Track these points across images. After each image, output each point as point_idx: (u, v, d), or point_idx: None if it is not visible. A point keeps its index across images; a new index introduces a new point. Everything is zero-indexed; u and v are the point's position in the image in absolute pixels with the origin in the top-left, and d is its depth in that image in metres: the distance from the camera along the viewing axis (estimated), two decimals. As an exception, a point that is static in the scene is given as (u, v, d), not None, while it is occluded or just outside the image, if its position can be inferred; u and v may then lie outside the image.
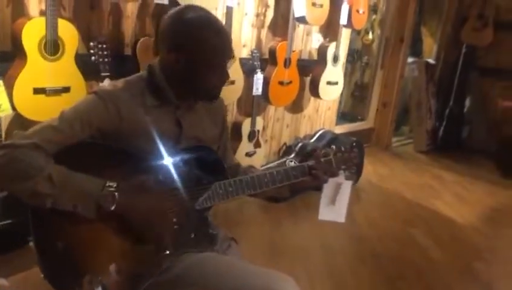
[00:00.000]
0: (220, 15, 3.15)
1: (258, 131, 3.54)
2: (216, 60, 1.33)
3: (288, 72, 3.57)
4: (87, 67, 2.39)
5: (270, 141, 4.09)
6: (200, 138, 1.44)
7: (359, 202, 4.03)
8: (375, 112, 5.69)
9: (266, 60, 3.55)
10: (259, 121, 3.54)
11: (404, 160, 5.42)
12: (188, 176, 1.34)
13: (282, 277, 1.36)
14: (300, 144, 4.13)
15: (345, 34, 4.39)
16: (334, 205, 1.71)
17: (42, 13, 2.22)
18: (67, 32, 2.25)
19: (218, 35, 1.31)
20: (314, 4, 3.52)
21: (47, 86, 2.22)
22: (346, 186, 1.68)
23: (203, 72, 1.33)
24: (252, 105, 3.45)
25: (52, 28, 2.16)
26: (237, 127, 3.45)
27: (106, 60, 2.46)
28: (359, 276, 2.80)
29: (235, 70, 3.16)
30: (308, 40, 4.07)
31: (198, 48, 1.29)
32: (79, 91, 2.33)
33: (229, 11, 2.99)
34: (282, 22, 3.66)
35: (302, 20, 3.52)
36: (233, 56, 1.39)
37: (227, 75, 1.41)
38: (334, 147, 1.62)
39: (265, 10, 3.61)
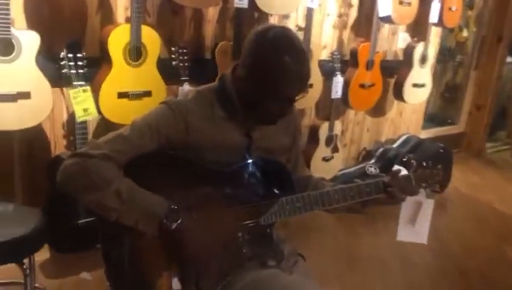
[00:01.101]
0: (300, 17, 3.10)
1: (336, 135, 3.44)
2: (284, 93, 1.27)
3: (371, 74, 3.42)
4: (167, 72, 2.45)
5: (349, 145, 3.96)
6: (270, 149, 1.41)
7: (445, 214, 3.77)
8: (467, 115, 5.30)
9: (347, 61, 3.43)
10: (338, 125, 3.44)
11: (499, 168, 4.99)
12: (254, 190, 1.31)
13: None
14: (381, 149, 3.95)
15: (435, 33, 4.11)
16: (414, 225, 1.58)
17: (128, 20, 2.31)
18: (150, 38, 2.32)
19: (295, 71, 1.23)
20: (401, 2, 3.33)
21: (130, 90, 2.31)
22: (428, 205, 1.56)
23: (267, 99, 1.27)
24: (330, 109, 3.35)
25: (136, 34, 2.24)
26: (314, 131, 3.37)
27: (186, 64, 2.52)
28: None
29: (313, 73, 3.08)
30: (393, 40, 3.87)
31: (270, 76, 1.24)
32: (159, 95, 2.40)
33: (309, 13, 2.92)
34: (365, 22, 3.51)
35: (387, 19, 3.35)
36: (307, 92, 1.29)
37: (291, 109, 1.35)
38: (414, 162, 1.49)
39: (349, 10, 3.48)
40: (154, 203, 1.17)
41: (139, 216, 1.16)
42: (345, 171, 3.83)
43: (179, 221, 1.16)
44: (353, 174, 3.77)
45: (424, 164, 1.49)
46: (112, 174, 1.16)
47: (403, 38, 3.90)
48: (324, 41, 3.42)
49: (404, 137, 4.10)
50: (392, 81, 3.84)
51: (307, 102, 3.20)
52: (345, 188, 1.38)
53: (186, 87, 2.51)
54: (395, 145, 4.04)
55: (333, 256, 2.90)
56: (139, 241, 1.20)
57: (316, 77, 3.11)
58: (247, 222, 1.28)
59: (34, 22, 2.16)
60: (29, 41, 1.98)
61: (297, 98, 1.30)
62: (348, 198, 1.38)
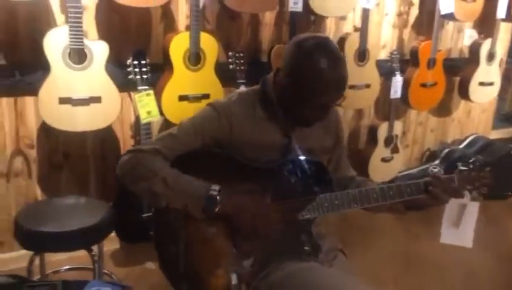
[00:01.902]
0: (357, 17, 3.11)
1: (396, 136, 3.39)
2: (319, 101, 1.33)
3: (433, 73, 3.34)
4: (225, 75, 2.58)
5: (411, 146, 3.88)
6: (311, 149, 1.46)
7: (515, 217, 3.59)
8: (545, 115, 4.97)
9: (408, 61, 3.38)
10: (398, 126, 3.39)
11: None
12: (293, 187, 1.37)
13: None
14: (446, 150, 3.83)
15: (505, 29, 3.92)
16: (458, 228, 1.57)
17: (188, 28, 2.46)
18: (209, 44, 2.47)
19: (331, 81, 1.29)
20: (464, -1, 3.24)
21: (190, 93, 2.47)
22: (473, 208, 1.54)
23: (303, 106, 1.34)
24: (389, 109, 3.32)
25: (195, 41, 2.39)
26: (373, 132, 3.36)
27: (242, 68, 2.63)
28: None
29: (370, 73, 3.09)
30: (459, 38, 3.75)
31: (306, 84, 1.30)
32: (217, 97, 2.53)
33: (365, 13, 2.93)
34: (427, 20, 3.44)
35: (449, 17, 3.26)
36: (344, 98, 1.33)
37: (326, 115, 1.40)
38: (460, 164, 1.48)
39: (409, 8, 3.43)
40: (196, 186, 1.28)
41: (185, 200, 1.27)
42: (406, 172, 3.76)
43: (219, 203, 1.25)
44: (415, 175, 3.70)
45: (471, 166, 1.47)
46: (159, 165, 1.29)
47: (469, 36, 3.76)
48: (383, 40, 3.39)
49: (471, 137, 3.95)
50: (457, 80, 3.72)
51: (365, 102, 3.20)
52: (384, 188, 1.41)
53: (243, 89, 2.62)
54: (461, 146, 3.90)
55: (391, 258, 2.87)
56: (192, 230, 1.32)
57: (373, 77, 3.11)
58: (286, 216, 1.35)
59: (104, 32, 2.38)
60: (99, 50, 2.19)
61: (333, 105, 1.35)
62: (387, 197, 1.40)
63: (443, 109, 3.91)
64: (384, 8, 3.32)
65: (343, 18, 3.16)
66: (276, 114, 1.41)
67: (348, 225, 3.20)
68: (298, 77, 1.31)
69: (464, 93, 3.62)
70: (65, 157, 2.47)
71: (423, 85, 3.34)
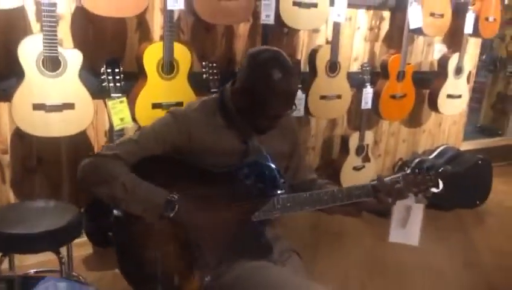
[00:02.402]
0: (330, 31, 3.21)
1: (368, 145, 3.50)
2: (270, 111, 1.41)
3: (402, 86, 3.47)
4: (198, 84, 2.66)
5: (383, 156, 4.00)
6: (268, 155, 1.52)
7: (482, 226, 3.71)
8: (515, 127, 5.14)
9: (379, 73, 3.50)
10: (369, 135, 3.50)
11: (549, 183, 4.78)
12: (247, 190, 1.45)
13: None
14: (417, 160, 3.95)
15: (474, 44, 4.08)
16: (405, 228, 1.66)
17: (162, 38, 2.54)
18: (182, 54, 2.54)
19: (281, 92, 1.38)
20: (432, 14, 3.38)
21: (163, 101, 2.54)
22: (417, 210, 1.63)
23: (255, 114, 1.43)
24: (360, 119, 3.43)
25: (168, 51, 2.47)
26: (345, 141, 3.46)
27: (216, 77, 2.71)
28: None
29: (341, 84, 3.19)
30: (429, 51, 3.89)
31: (258, 95, 1.39)
32: (190, 106, 2.60)
33: (336, 27, 3.04)
34: (398, 34, 3.56)
35: (418, 31, 3.40)
36: (294, 108, 1.44)
37: (277, 124, 1.48)
38: (407, 169, 1.58)
39: (380, 23, 3.56)
40: (155, 193, 1.34)
41: (143, 205, 1.34)
42: (379, 181, 3.86)
43: (176, 209, 1.32)
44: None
45: (416, 171, 1.56)
46: (119, 170, 1.35)
47: (438, 50, 3.90)
48: (355, 53, 3.51)
49: (441, 148, 4.07)
50: (427, 92, 3.85)
51: (336, 112, 3.30)
52: (335, 191, 1.49)
53: (216, 98, 2.70)
54: (431, 157, 4.03)
55: (357, 262, 2.95)
56: (150, 233, 1.38)
57: (344, 88, 3.22)
58: (240, 218, 1.42)
59: (79, 41, 2.44)
60: (73, 58, 2.25)
61: (284, 115, 1.44)
62: (337, 200, 1.48)
63: (414, 120, 4.04)
64: (356, 22, 3.45)
65: (316, 31, 3.27)
66: (234, 122, 1.49)
67: (320, 230, 3.29)
68: (252, 87, 1.40)
69: (433, 105, 3.76)
70: (38, 162, 2.51)
71: (393, 96, 3.45)
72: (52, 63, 2.21)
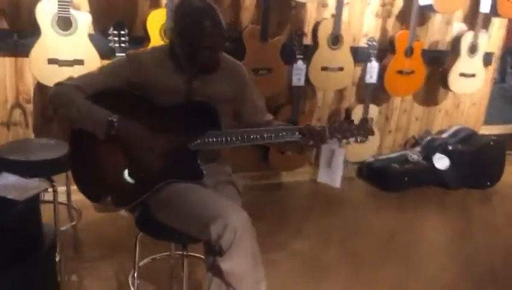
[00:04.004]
0: (331, 5, 3.32)
1: (372, 119, 3.59)
2: (201, 43, 1.63)
3: (410, 62, 3.52)
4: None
5: (394, 132, 4.05)
6: (211, 96, 1.74)
7: (485, 206, 3.71)
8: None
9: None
10: (374, 109, 3.59)
11: None
12: (187, 123, 1.68)
13: (236, 209, 1.59)
14: (428, 138, 3.98)
15: (499, 24, 4.01)
16: (330, 169, 1.82)
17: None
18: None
19: (204, 25, 1.61)
20: (444, -9, 3.38)
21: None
22: (339, 153, 1.79)
23: (191, 49, 1.66)
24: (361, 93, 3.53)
25: (170, 17, 2.71)
26: (348, 113, 3.57)
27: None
28: (448, 275, 2.67)
29: (344, 57, 3.31)
30: (447, 30, 3.88)
31: (183, 31, 1.65)
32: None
33: (339, 1, 3.14)
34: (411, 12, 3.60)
35: (428, 8, 3.42)
36: (225, 42, 1.68)
37: (214, 55, 1.68)
38: (337, 117, 1.73)
39: (393, -1, 3.61)
40: (101, 115, 1.61)
41: (92, 124, 1.61)
42: (387, 156, 3.94)
43: (116, 127, 1.58)
44: (393, 160, 3.88)
45: (341, 119, 1.72)
46: (76, 96, 1.63)
47: (458, 28, 3.87)
48: (365, 29, 3.59)
49: (455, 128, 4.07)
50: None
51: (338, 84, 3.43)
52: (263, 130, 1.70)
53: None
54: (444, 136, 4.03)
55: (350, 232, 3.05)
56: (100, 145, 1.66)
57: (346, 61, 3.33)
58: (175, 145, 1.67)
59: (93, 4, 2.74)
60: (83, 19, 2.57)
61: (215, 46, 1.65)
62: (265, 138, 1.68)
63: (429, 99, 4.05)
64: (367, -2, 3.52)
65: (324, 5, 3.39)
66: (181, 64, 1.73)
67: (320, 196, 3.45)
68: (180, 23, 1.65)
69: (444, 83, 3.76)
70: (54, 112, 2.86)
71: (399, 72, 3.51)
72: (64, 23, 2.53)
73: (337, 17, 3.18)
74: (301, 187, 3.64)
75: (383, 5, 3.59)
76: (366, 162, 3.86)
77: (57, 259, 1.52)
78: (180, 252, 1.91)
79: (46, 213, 2.31)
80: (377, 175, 3.78)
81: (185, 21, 1.64)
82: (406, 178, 3.73)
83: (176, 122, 1.67)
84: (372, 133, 1.81)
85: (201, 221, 1.55)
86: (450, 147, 3.83)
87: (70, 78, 1.74)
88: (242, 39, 3.02)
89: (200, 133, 1.66)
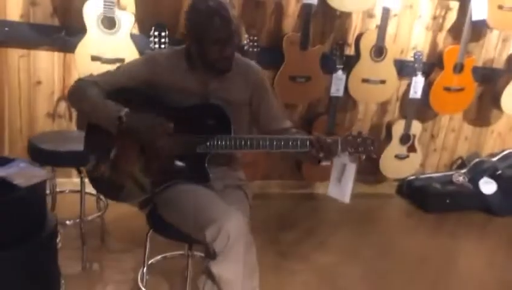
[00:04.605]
0: (377, 16, 3.23)
1: (414, 135, 3.46)
2: (211, 36, 1.64)
3: (459, 78, 3.36)
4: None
5: (439, 151, 3.88)
6: (227, 100, 1.75)
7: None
8: None
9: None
10: (417, 126, 3.45)
11: None
12: (198, 125, 1.69)
13: (233, 214, 1.57)
14: (476, 160, 3.77)
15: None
16: (340, 184, 1.77)
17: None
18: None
19: (214, 18, 1.62)
20: (500, 7, 3.21)
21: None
22: (351, 167, 1.72)
23: (199, 48, 1.68)
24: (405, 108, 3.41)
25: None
26: (388, 128, 3.46)
27: (255, 50, 2.94)
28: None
29: (387, 70, 3.21)
30: (504, 47, 3.67)
31: (193, 29, 1.68)
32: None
33: (385, 12, 3.06)
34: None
35: (482, 23, 3.26)
36: (230, 35, 1.67)
37: (225, 51, 1.67)
38: (352, 132, 1.67)
39: (446, 13, 3.46)
40: (112, 110, 1.64)
41: (105, 119, 1.65)
42: (429, 175, 3.78)
43: (124, 122, 1.60)
44: (435, 179, 3.71)
45: (355, 133, 1.66)
46: (91, 92, 1.69)
47: (516, 46, 3.66)
48: (414, 42, 3.47)
49: (506, 152, 3.83)
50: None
51: (378, 97, 3.34)
52: (274, 138, 1.68)
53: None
54: (493, 159, 3.81)
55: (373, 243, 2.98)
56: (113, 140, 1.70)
57: (389, 74, 3.23)
58: (183, 145, 1.69)
59: (138, 5, 2.84)
60: (126, 20, 2.67)
61: (225, 39, 1.65)
62: (274, 147, 1.66)
63: (480, 119, 3.85)
64: (417, 10, 3.40)
65: (371, 16, 3.32)
66: (196, 66, 1.75)
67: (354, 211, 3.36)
68: (191, 21, 1.69)
69: (496, 103, 3.55)
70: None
71: (447, 89, 3.36)
72: (109, 22, 2.65)
73: (381, 28, 3.10)
74: (336, 200, 3.56)
75: (434, 18, 3.45)
76: (407, 180, 3.73)
77: (59, 247, 1.56)
78: (195, 253, 1.93)
79: (74, 202, 2.43)
80: (416, 194, 3.64)
81: (195, 19, 1.68)
82: (448, 200, 3.55)
83: (186, 124, 1.69)
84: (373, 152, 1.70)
85: (198, 223, 1.56)
86: (499, 172, 3.62)
87: (90, 75, 1.81)
88: (281, 46, 3.01)
89: (210, 136, 1.67)
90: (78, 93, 1.72)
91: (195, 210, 1.60)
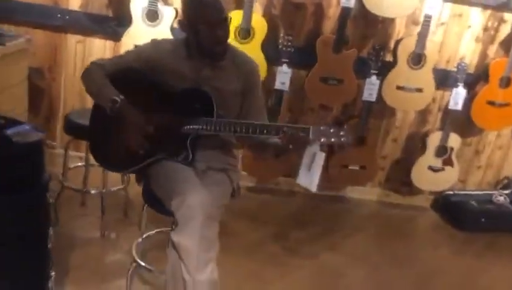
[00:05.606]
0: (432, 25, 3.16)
1: (452, 148, 3.34)
2: (204, 19, 1.77)
3: (505, 93, 3.20)
4: (270, 53, 3.04)
5: (484, 168, 3.70)
6: (218, 87, 1.88)
7: None
8: None
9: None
10: (455, 139, 3.33)
11: None
12: (185, 108, 1.84)
13: (199, 190, 1.71)
14: (522, 183, 3.56)
15: None
16: (309, 172, 1.81)
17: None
18: (259, 24, 2.96)
19: (197, 3, 1.79)
20: (558, 20, 3.01)
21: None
22: (320, 156, 1.76)
23: (192, 33, 1.83)
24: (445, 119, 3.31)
25: (246, 19, 2.91)
26: (423, 138, 3.38)
27: (289, 49, 3.03)
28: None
29: (424, 79, 3.15)
30: None
31: (187, 15, 1.85)
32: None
33: (426, 19, 3.00)
34: (519, 40, 3.27)
35: (536, 37, 3.08)
36: (226, 18, 1.82)
37: (216, 34, 1.79)
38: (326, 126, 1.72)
39: (499, 25, 3.31)
40: (110, 93, 1.84)
41: (103, 100, 1.85)
42: (470, 192, 3.64)
43: (118, 104, 1.79)
44: (474, 197, 3.56)
45: (330, 124, 1.71)
46: (98, 75, 1.90)
47: None
48: (462, 53, 3.36)
49: (558, 176, 3.56)
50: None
51: (413, 106, 3.29)
52: (249, 123, 1.79)
53: (285, 68, 3.04)
54: (542, 183, 3.57)
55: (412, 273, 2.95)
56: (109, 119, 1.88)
57: (427, 83, 3.16)
58: (170, 125, 1.85)
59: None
60: (168, 14, 2.89)
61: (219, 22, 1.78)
62: (249, 131, 1.77)
63: (533, 139, 3.62)
64: (467, 21, 3.29)
65: (415, 23, 3.26)
66: (194, 54, 1.90)
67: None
68: (186, 9, 1.88)
69: (548, 123, 3.33)
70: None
71: (491, 103, 3.22)
72: (152, 15, 2.89)
73: (421, 35, 3.05)
74: (362, 206, 3.56)
75: (486, 29, 3.31)
76: (443, 195, 3.61)
77: (50, 201, 1.81)
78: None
79: (98, 174, 2.67)
80: (450, 209, 3.52)
81: (189, 3, 1.85)
82: (483, 219, 3.40)
83: (175, 106, 1.85)
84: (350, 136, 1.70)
85: (168, 193, 1.73)
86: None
87: (101, 59, 2.04)
88: (315, 46, 3.07)
89: (192, 118, 1.81)
90: (88, 76, 1.95)
91: (170, 183, 1.77)
